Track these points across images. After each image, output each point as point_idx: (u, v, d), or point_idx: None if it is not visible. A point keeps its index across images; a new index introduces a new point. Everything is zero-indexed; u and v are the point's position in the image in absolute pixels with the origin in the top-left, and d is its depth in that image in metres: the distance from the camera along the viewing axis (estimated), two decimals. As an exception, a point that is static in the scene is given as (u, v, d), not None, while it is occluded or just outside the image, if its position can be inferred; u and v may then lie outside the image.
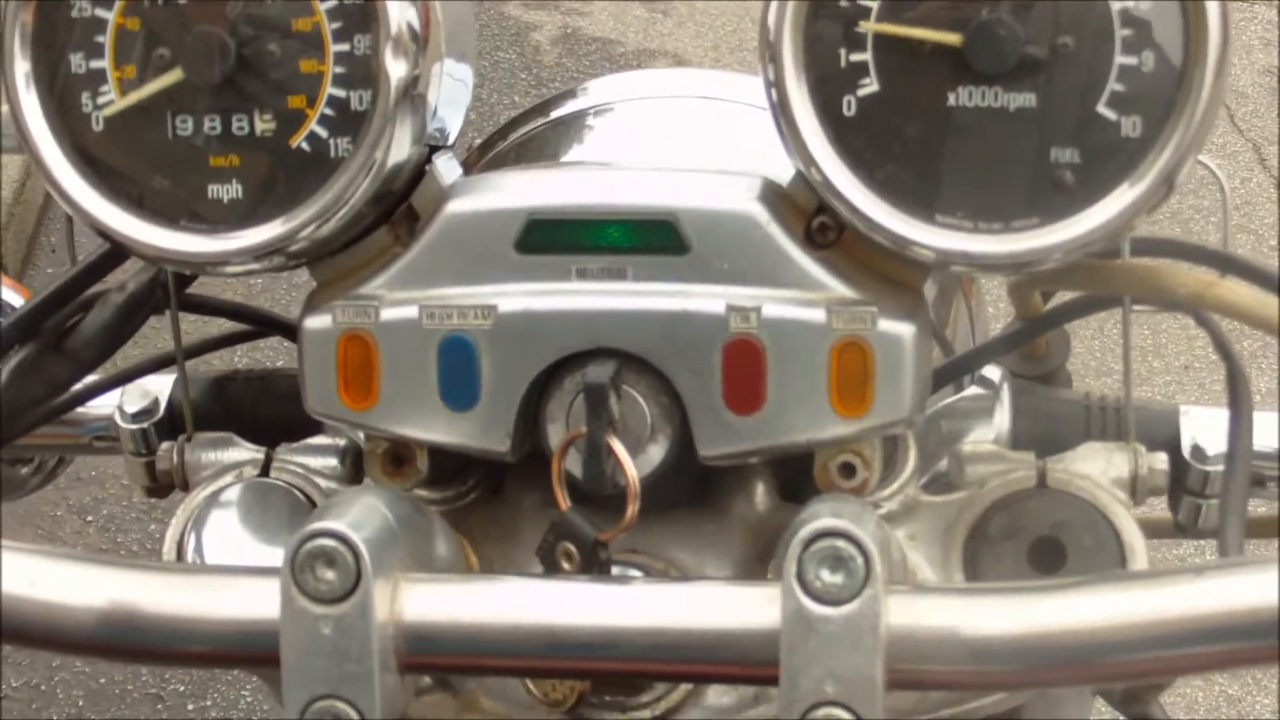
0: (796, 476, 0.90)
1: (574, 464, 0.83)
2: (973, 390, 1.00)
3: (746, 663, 0.72)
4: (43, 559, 0.76)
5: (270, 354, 3.03)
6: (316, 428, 0.97)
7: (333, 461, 0.96)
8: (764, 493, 0.90)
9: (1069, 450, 0.90)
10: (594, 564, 0.80)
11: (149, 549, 2.93)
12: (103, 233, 0.85)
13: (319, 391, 0.85)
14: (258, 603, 0.75)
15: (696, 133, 1.15)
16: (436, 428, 0.84)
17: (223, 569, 0.81)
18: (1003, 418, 0.99)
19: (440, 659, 0.75)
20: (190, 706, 2.63)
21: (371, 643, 0.72)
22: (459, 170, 0.88)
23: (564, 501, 0.82)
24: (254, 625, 0.75)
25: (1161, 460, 0.91)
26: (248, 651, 0.76)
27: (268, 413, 1.06)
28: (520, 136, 1.20)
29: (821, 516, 0.71)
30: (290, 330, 1.05)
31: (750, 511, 0.89)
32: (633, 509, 0.80)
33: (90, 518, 2.98)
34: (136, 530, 2.96)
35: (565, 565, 0.81)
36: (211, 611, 0.75)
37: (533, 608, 0.74)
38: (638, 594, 0.75)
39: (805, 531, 0.70)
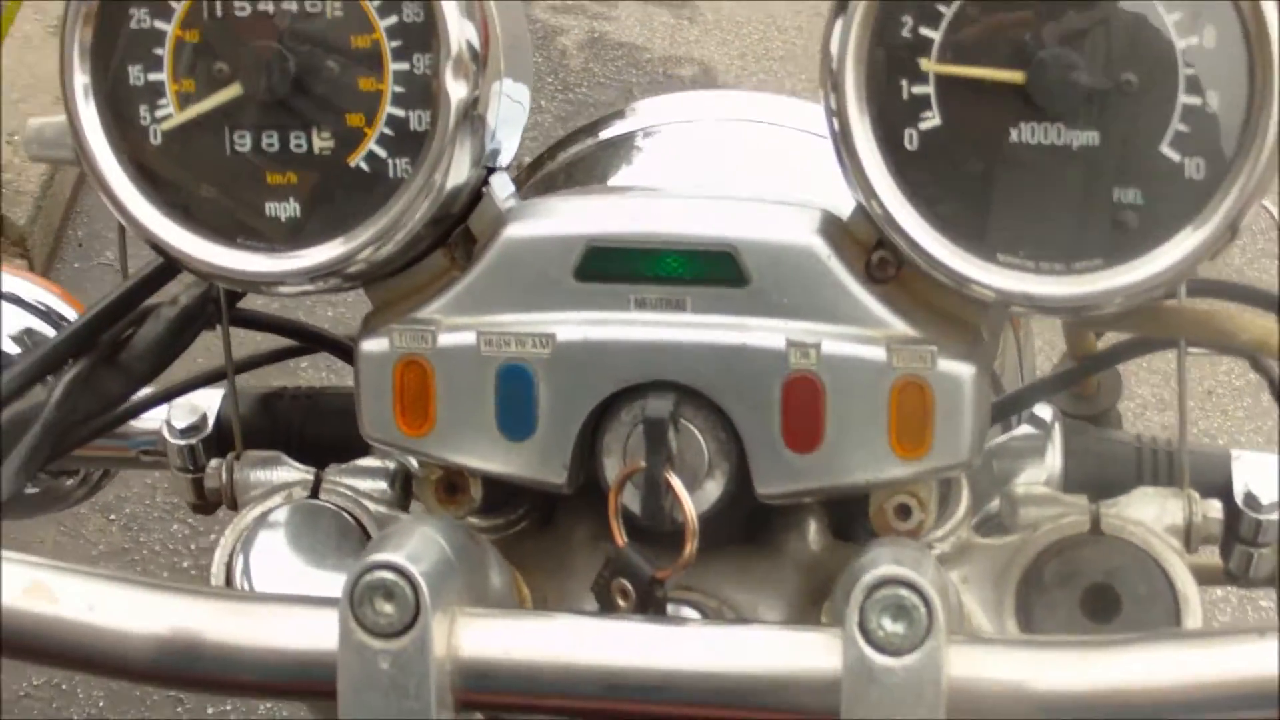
0: (850, 514, 0.89)
1: (630, 498, 0.82)
2: (1024, 429, 1.00)
3: (806, 710, 0.72)
4: (102, 583, 0.76)
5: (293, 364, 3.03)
6: (365, 448, 0.97)
7: (382, 484, 0.95)
8: (817, 531, 0.89)
9: (1121, 493, 0.90)
10: (650, 602, 0.80)
11: (170, 549, 2.92)
12: (158, 248, 0.85)
13: (375, 417, 0.85)
14: (315, 634, 0.75)
15: (751, 158, 1.14)
16: (493, 457, 0.84)
17: (281, 598, 0.81)
18: (1054, 458, 0.98)
19: (496, 697, 0.75)
20: (210, 710, 2.63)
21: (429, 679, 0.72)
22: (515, 193, 0.87)
23: (620, 537, 0.81)
24: (311, 657, 0.75)
25: (1215, 508, 0.90)
26: (304, 683, 0.76)
27: (315, 431, 1.06)
28: (570, 156, 1.20)
29: (883, 563, 0.71)
30: (341, 347, 1.05)
31: (803, 550, 0.89)
32: (691, 547, 0.80)
33: (113, 516, 2.98)
34: (159, 530, 2.96)
35: (620, 602, 0.80)
36: (269, 642, 0.75)
37: (591, 647, 0.74)
38: (696, 636, 0.74)
39: (868, 579, 0.70)
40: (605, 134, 1.24)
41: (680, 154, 1.18)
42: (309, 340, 1.06)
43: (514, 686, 0.74)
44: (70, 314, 1.12)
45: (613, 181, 1.19)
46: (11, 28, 4.24)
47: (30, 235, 3.59)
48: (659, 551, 0.81)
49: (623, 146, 1.20)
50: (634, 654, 0.73)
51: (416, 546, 0.75)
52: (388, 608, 0.72)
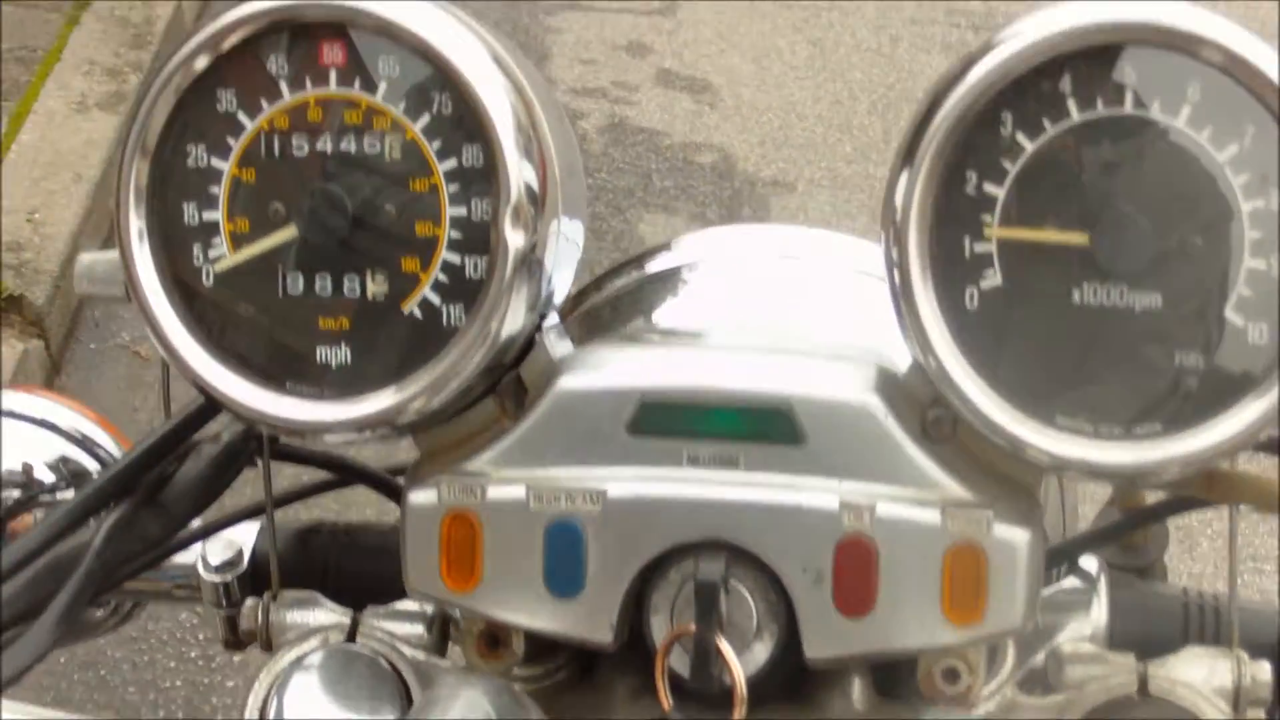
0: (895, 672, 0.88)
1: (677, 656, 0.81)
2: (1069, 582, 0.98)
3: None
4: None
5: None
6: (404, 587, 0.96)
7: (419, 629, 0.94)
8: (861, 689, 0.88)
9: (1169, 650, 0.88)
10: (698, 773, 0.79)
11: (179, 638, 2.89)
12: (207, 393, 0.84)
13: (420, 570, 0.84)
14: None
15: (803, 300, 1.13)
16: (539, 614, 0.82)
17: None
18: (1100, 612, 0.97)
19: None
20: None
21: None
22: (568, 341, 0.87)
23: (667, 702, 0.80)
24: None
25: (1265, 670, 0.89)
26: None
27: (354, 568, 1.04)
28: (616, 290, 1.18)
29: None
30: (386, 485, 1.03)
31: (847, 709, 0.88)
32: (739, 714, 0.78)
33: (124, 601, 2.96)
34: (168, 618, 2.93)
35: (667, 771, 0.79)
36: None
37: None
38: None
39: None
40: (652, 268, 1.22)
41: (730, 293, 1.16)
42: (354, 476, 1.04)
43: None
44: (105, 439, 1.11)
45: (660, 318, 1.17)
46: (35, 104, 4.26)
47: (48, 315, 3.59)
48: (702, 709, 0.80)
49: (670, 282, 1.19)
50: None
51: (462, 712, 0.73)
52: None
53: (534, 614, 0.83)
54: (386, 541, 1.03)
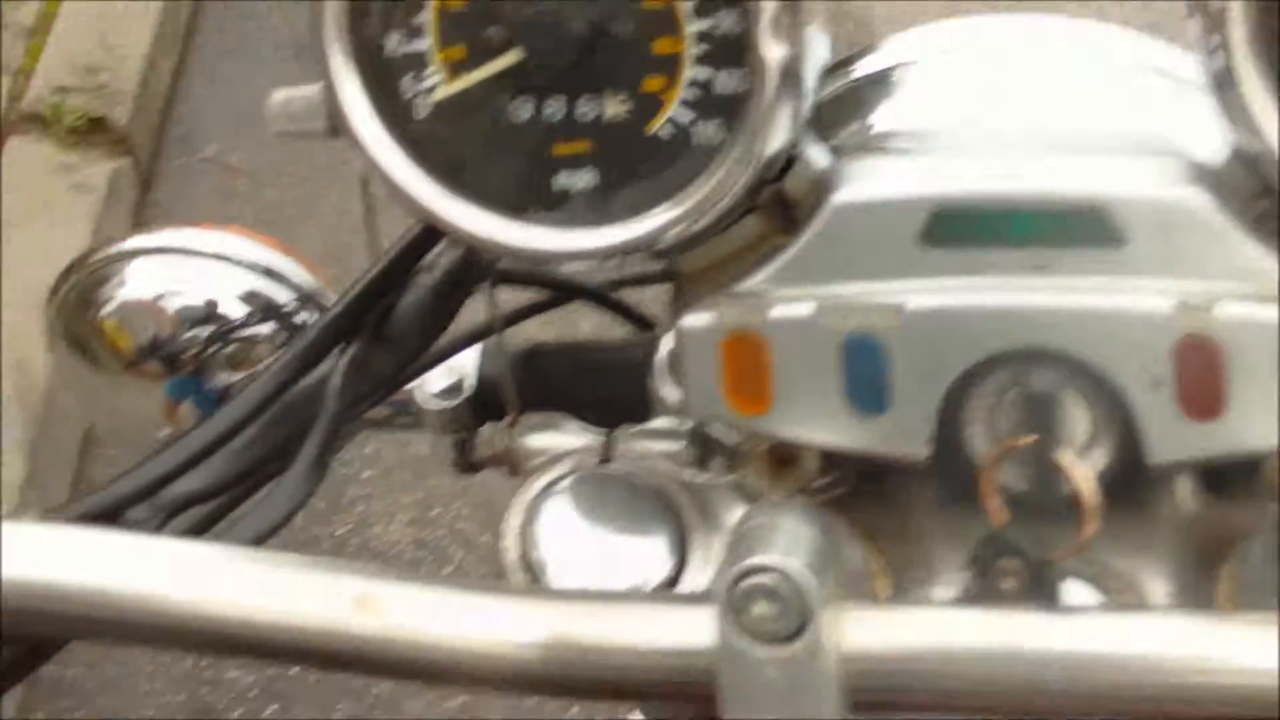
0: (1224, 469, 0.82)
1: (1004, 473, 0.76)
2: None
3: (1243, 707, 0.65)
4: (464, 596, 0.70)
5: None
6: (641, 403, 0.90)
7: (677, 446, 0.89)
8: (1191, 488, 0.82)
9: None
10: (1043, 585, 0.73)
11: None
12: (443, 229, 0.78)
13: (702, 395, 0.78)
14: (692, 635, 0.68)
15: (1071, 96, 1.00)
16: (841, 433, 0.77)
17: (652, 598, 0.75)
18: None
19: (899, 697, 0.68)
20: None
21: (829, 682, 0.66)
22: (827, 152, 0.80)
23: (1000, 516, 0.75)
24: (689, 658, 0.68)
25: None
26: (684, 688, 0.69)
27: (584, 388, 0.99)
28: (824, 98, 1.07)
29: None
30: (616, 305, 0.97)
31: (1177, 511, 0.82)
32: (1092, 528, 0.73)
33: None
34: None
35: (1006, 584, 0.74)
36: (648, 643, 0.69)
37: (1010, 641, 0.66)
38: (1120, 626, 0.67)
39: None
40: (859, 72, 1.10)
41: (975, 91, 1.01)
42: (589, 297, 0.98)
43: (917, 686, 0.67)
44: (290, 267, 1.02)
45: (878, 123, 1.06)
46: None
47: (132, 134, 3.55)
48: (1029, 522, 0.75)
49: (883, 85, 1.08)
50: (1054, 646, 0.66)
51: (788, 542, 0.68)
52: (771, 611, 0.66)
53: (835, 432, 0.77)
54: (613, 360, 0.98)
